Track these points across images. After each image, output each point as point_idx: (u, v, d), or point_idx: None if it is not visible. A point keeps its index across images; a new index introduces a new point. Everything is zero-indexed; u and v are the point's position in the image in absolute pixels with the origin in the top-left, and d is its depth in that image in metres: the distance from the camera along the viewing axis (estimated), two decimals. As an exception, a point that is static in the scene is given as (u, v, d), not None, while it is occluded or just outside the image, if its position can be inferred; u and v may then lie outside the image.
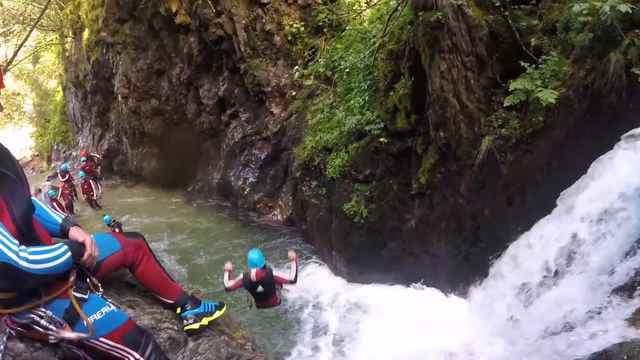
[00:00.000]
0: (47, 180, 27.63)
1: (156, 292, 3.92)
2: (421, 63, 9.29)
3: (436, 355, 10.41)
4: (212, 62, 18.36)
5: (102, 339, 3.05)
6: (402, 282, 12.15)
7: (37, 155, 36.82)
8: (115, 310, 3.19)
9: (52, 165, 31.55)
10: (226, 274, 8.36)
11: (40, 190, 24.87)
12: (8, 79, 32.34)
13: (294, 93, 16.78)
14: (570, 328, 8.16)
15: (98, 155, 24.05)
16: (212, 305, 4.14)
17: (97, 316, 3.04)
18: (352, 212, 11.74)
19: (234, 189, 18.83)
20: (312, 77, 13.84)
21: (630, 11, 7.17)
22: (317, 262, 14.43)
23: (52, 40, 30.27)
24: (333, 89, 13.70)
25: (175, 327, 3.79)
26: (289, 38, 16.75)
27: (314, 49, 16.13)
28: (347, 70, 12.48)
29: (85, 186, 21.38)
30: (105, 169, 24.98)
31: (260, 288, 7.98)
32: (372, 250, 12.11)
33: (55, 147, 32.37)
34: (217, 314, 4.13)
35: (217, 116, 19.19)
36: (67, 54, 26.86)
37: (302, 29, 16.61)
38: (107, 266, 3.49)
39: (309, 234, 14.76)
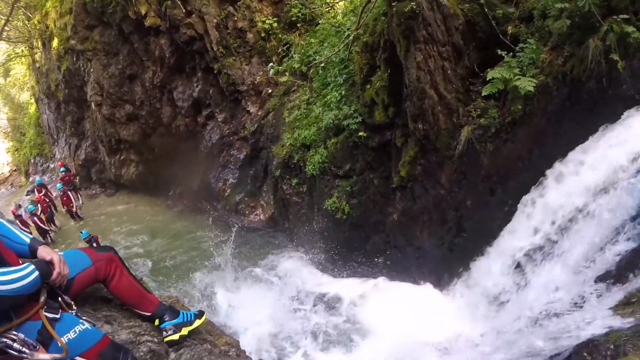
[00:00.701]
0: (26, 195, 27.37)
1: (132, 305, 3.81)
2: (397, 55, 9.17)
3: (425, 348, 10.38)
4: (185, 64, 18.02)
5: (77, 358, 2.96)
6: (387, 275, 12.12)
7: (15, 170, 36.17)
8: (90, 327, 3.09)
9: (30, 179, 31.03)
10: None
11: (20, 206, 24.39)
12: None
13: (269, 90, 16.57)
14: (555, 315, 8.18)
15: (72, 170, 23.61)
16: (191, 315, 4.03)
17: (71, 335, 2.95)
18: (334, 208, 11.63)
19: (214, 191, 18.58)
20: (287, 74, 13.64)
21: (609, -4, 7.16)
22: (302, 260, 14.29)
23: (21, 51, 29.67)
24: (309, 85, 13.54)
25: (155, 340, 3.68)
26: (262, 35, 16.51)
27: (288, 45, 15.98)
28: (322, 64, 12.32)
29: (64, 198, 21.14)
30: (83, 178, 24.60)
31: None
32: (356, 245, 12.06)
33: (32, 161, 31.85)
34: (197, 322, 4.01)
35: (193, 118, 18.87)
36: (37, 64, 26.27)
37: (275, 25, 16.38)
38: (79, 283, 3.39)
39: (292, 231, 14.64)
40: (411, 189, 10.49)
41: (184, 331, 3.84)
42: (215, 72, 16.91)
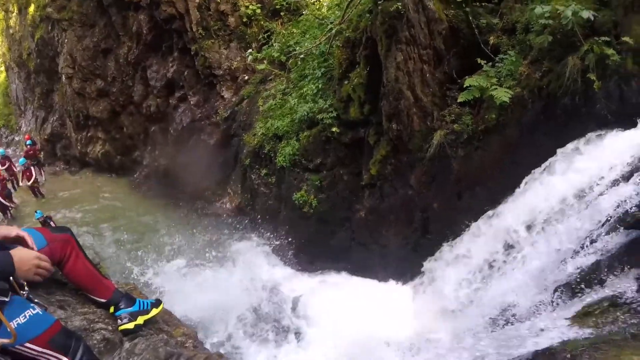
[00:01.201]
0: None
1: (87, 290, 3.65)
2: (377, 53, 9.18)
3: (383, 346, 10.43)
4: (162, 42, 17.59)
5: (27, 345, 2.78)
6: (351, 272, 12.11)
7: None
8: (41, 312, 2.91)
9: None
10: None
11: None
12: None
13: (246, 77, 16.29)
14: (513, 322, 8.31)
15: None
16: (148, 303, 3.89)
17: (21, 320, 2.77)
18: (301, 202, 11.59)
19: (182, 175, 18.06)
20: (265, 62, 13.58)
21: (592, 18, 7.30)
22: (265, 251, 14.16)
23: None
24: (286, 75, 13.45)
25: (110, 327, 3.53)
26: (244, 20, 16.23)
27: (269, 33, 15.74)
28: (302, 56, 12.28)
29: (27, 173, 20.29)
30: (48, 154, 23.84)
31: None
32: (322, 240, 12.03)
33: None
34: (154, 311, 3.89)
35: (165, 99, 18.39)
36: (11, 31, 25.42)
37: (259, 11, 16.11)
38: None
39: (258, 222, 14.49)
40: (380, 188, 10.52)
41: (140, 320, 3.70)
42: (192, 53, 16.58)
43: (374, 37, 9.27)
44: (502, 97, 8.13)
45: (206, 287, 12.52)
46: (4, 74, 30.22)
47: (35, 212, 16.20)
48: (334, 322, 11.11)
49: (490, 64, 8.92)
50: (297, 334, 11.50)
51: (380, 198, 10.66)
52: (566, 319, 6.45)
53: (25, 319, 2.79)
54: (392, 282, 11.59)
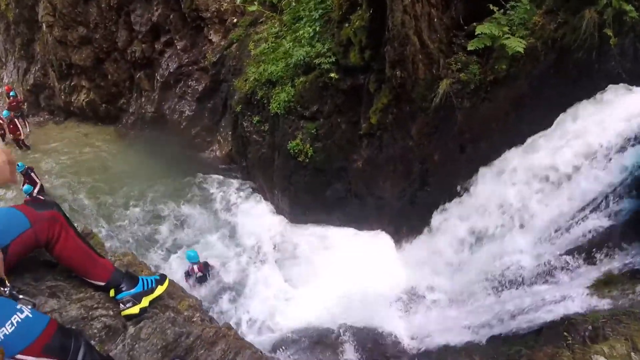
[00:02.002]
0: None
1: (82, 274, 3.18)
2: (382, -6, 8.53)
3: (378, 297, 10.36)
4: (145, -16, 16.72)
5: (19, 357, 2.33)
6: (345, 223, 11.94)
7: None
8: (31, 315, 2.43)
9: None
10: None
11: None
12: None
13: (235, 20, 15.50)
14: (518, 283, 8.15)
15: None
16: (152, 281, 3.47)
17: (7, 329, 2.30)
18: (296, 151, 11.15)
19: (169, 122, 17.71)
20: (256, 3, 12.80)
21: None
22: (259, 200, 13.91)
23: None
24: (279, 17, 12.72)
25: (111, 312, 3.12)
26: (232, -42, 15.35)
27: (259, -28, 14.85)
28: (297, -4, 11.56)
29: (11, 126, 19.53)
30: (32, 105, 23.01)
31: (199, 275, 10.88)
32: (316, 191, 11.70)
33: None
34: (159, 290, 3.47)
35: (151, 44, 17.61)
36: None
37: (248, -52, 15.17)
38: (16, 251, 2.75)
39: (250, 171, 14.17)
40: (379, 138, 10.11)
41: (145, 302, 3.31)
42: (178, -5, 15.72)
43: (379, -24, 8.60)
44: (515, 47, 7.68)
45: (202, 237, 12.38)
46: None
47: (17, 164, 15.51)
48: (329, 273, 11.03)
49: (501, 10, 8.39)
50: (291, 284, 11.43)
51: (378, 148, 10.27)
52: (586, 287, 6.22)
53: (13, 327, 2.32)
54: (387, 235, 11.42)
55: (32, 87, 22.78)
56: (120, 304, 3.23)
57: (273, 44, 12.22)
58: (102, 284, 3.23)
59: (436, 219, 10.40)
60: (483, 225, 9.55)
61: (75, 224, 3.16)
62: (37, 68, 22.61)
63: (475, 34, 8.26)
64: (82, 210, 14.71)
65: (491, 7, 8.32)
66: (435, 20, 8.62)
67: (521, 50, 7.72)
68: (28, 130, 20.92)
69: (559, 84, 8.38)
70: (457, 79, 8.78)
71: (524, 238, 8.54)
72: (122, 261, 3.72)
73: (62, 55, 19.78)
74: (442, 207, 10.23)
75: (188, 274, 10.92)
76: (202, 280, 10.94)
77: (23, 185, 14.60)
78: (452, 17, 9.00)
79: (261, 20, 14.15)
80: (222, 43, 15.60)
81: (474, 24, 8.68)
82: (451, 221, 10.12)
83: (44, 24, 19.70)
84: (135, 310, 3.23)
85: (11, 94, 21.34)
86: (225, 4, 15.36)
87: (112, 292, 3.26)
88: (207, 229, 13.12)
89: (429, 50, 8.60)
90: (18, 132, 19.61)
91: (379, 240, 11.50)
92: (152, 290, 3.41)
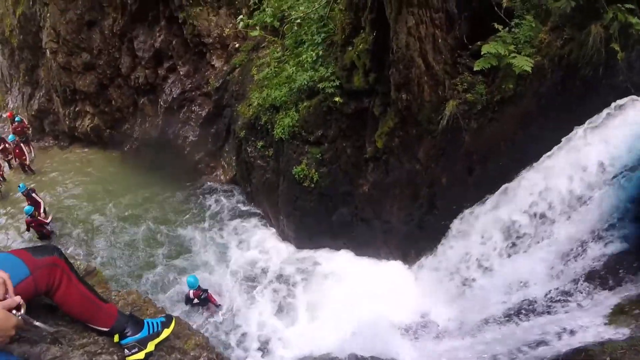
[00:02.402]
0: None
1: (86, 320, 3.01)
2: (385, 16, 8.42)
3: (386, 326, 10.12)
4: (148, 11, 16.60)
5: None
6: (351, 249, 11.80)
7: None
8: None
9: None
10: None
11: None
12: None
13: (237, 45, 15.49)
14: (531, 310, 7.94)
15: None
16: (157, 324, 3.29)
17: None
18: (301, 176, 11.03)
19: (173, 148, 17.53)
20: (258, 28, 12.74)
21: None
22: (263, 226, 13.77)
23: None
24: (281, 41, 12.66)
25: (115, 358, 2.94)
26: (233, -16, 15.37)
27: (260, -3, 14.86)
28: (299, 21, 11.48)
29: (17, 150, 19.45)
30: (36, 129, 22.81)
31: (195, 301, 10.93)
32: (322, 216, 11.57)
33: None
34: (165, 333, 3.29)
35: (154, 70, 17.46)
36: None
37: (248, -26, 15.21)
38: None
39: (254, 196, 14.02)
40: (385, 161, 9.97)
41: (150, 346, 3.14)
42: (180, 21, 15.68)
43: (381, -1, 8.53)
44: (523, 66, 7.58)
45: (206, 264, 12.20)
46: None
47: (19, 186, 15.71)
48: (335, 300, 10.80)
49: (506, 29, 8.31)
50: (297, 312, 11.22)
51: (384, 172, 10.13)
52: (602, 315, 6.00)
53: None
54: (394, 260, 11.28)
55: (36, 112, 22.60)
56: (125, 349, 3.06)
57: (276, 69, 12.14)
58: (106, 329, 3.06)
59: (445, 242, 10.22)
60: (493, 249, 9.37)
61: (77, 256, 3.01)
62: (41, 94, 22.47)
63: (481, 53, 8.15)
64: (83, 235, 14.66)
65: (496, 25, 8.26)
66: (440, 41, 8.52)
67: (529, 69, 7.63)
68: (33, 155, 20.94)
69: (566, 101, 8.26)
70: (463, 99, 8.67)
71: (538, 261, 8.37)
72: (127, 300, 3.54)
73: (66, 81, 19.70)
74: (451, 230, 10.04)
75: (188, 299, 10.97)
76: (201, 304, 11.10)
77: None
78: (456, 37, 8.91)
79: (263, 45, 14.12)
80: (225, 68, 15.55)
81: (479, 43, 8.61)
82: (461, 245, 9.91)
83: (47, 50, 19.66)
84: (140, 355, 3.05)
85: (16, 119, 21.29)
86: (227, 29, 15.34)
87: (116, 338, 3.08)
88: (210, 256, 12.91)
89: (434, 71, 8.50)
90: (24, 157, 19.52)
91: (387, 265, 11.32)
92: (157, 334, 3.23)
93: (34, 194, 15.21)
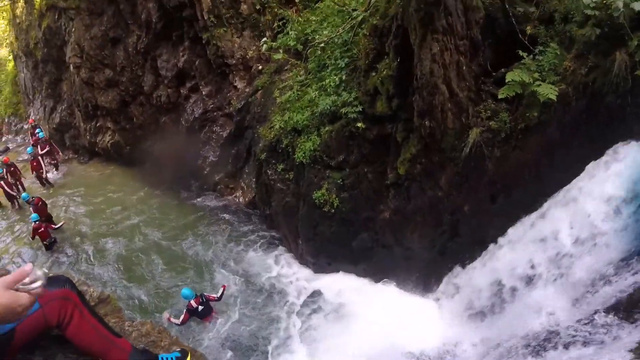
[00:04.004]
0: None
1: (98, 356, 2.91)
2: (409, 43, 8.42)
3: (406, 355, 9.90)
4: (172, 31, 16.86)
5: None
6: (371, 275, 11.61)
7: None
8: None
9: (3, 139, 29.54)
10: (168, 321, 10.89)
11: None
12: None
13: (260, 67, 15.61)
14: (553, 342, 7.69)
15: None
16: (172, 358, 3.21)
17: None
18: (322, 201, 10.94)
19: (193, 167, 17.71)
20: (281, 51, 12.78)
21: (643, 10, 6.61)
22: (282, 250, 13.66)
23: (2, 5, 27.93)
24: (304, 65, 12.68)
25: None
26: (257, 7, 15.49)
27: (284, 20, 14.91)
28: (322, 45, 11.49)
29: (34, 163, 19.71)
30: (57, 143, 23.10)
31: (200, 308, 10.96)
32: (342, 241, 11.42)
33: (6, 120, 30.34)
34: None
35: (176, 89, 17.82)
36: (17, 20, 24.75)
37: (272, -3, 15.39)
38: (23, 333, 2.52)
39: (274, 219, 13.92)
40: (407, 188, 9.86)
41: None
42: (204, 42, 15.88)
43: (406, 25, 8.49)
44: (548, 94, 7.44)
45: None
46: (12, 63, 29.57)
47: (21, 195, 16.42)
48: (355, 328, 10.63)
49: (530, 56, 8.21)
50: (317, 339, 11.04)
51: (406, 199, 10.01)
52: (628, 350, 5.76)
53: None
54: (415, 287, 11.06)
55: (58, 125, 23.07)
56: None
57: (298, 92, 12.15)
58: None
59: (467, 270, 10.01)
60: (515, 277, 9.14)
61: (91, 281, 2.94)
62: (63, 107, 22.91)
63: (506, 81, 8.05)
64: (96, 253, 14.75)
65: (520, 53, 8.16)
66: (464, 68, 8.45)
67: (554, 97, 7.48)
68: (55, 170, 21.30)
69: (591, 129, 8.05)
70: (487, 127, 8.56)
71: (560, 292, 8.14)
72: (140, 331, 3.46)
73: (88, 97, 19.95)
74: (473, 258, 9.84)
75: (193, 310, 10.94)
76: (206, 312, 11.16)
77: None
78: (480, 64, 8.84)
79: (286, 67, 14.18)
80: (247, 90, 15.65)
81: (503, 70, 8.55)
82: (483, 272, 9.68)
83: (71, 65, 19.92)
84: None
85: (37, 131, 21.54)
86: (251, 52, 15.47)
87: None
88: (226, 280, 12.78)
89: (458, 98, 8.41)
90: (40, 170, 19.75)
91: (407, 292, 11.12)
92: None
93: (40, 203, 15.69)
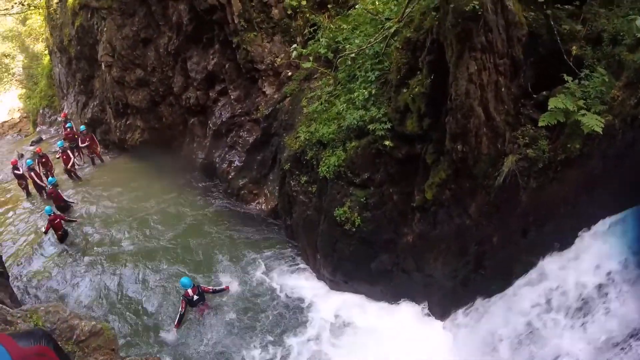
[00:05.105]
0: (30, 145, 26.75)
1: None
2: (445, 59, 7.82)
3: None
4: (203, 34, 16.68)
5: None
6: (388, 297, 11.16)
7: (26, 117, 35.47)
8: None
9: (38, 129, 30.60)
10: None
11: (22, 156, 24.24)
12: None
13: (289, 73, 15.20)
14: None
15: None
16: None
17: None
18: (343, 218, 10.48)
19: (218, 171, 17.53)
20: (311, 58, 12.34)
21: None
22: (300, 263, 13.30)
23: (38, 2, 28.65)
24: (334, 74, 12.19)
25: None
26: (289, 12, 15.09)
27: (315, 27, 14.48)
28: (353, 55, 10.96)
29: (64, 156, 20.03)
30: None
31: (195, 297, 11.47)
32: (361, 261, 10.95)
33: (41, 111, 31.24)
34: None
35: (205, 92, 17.72)
36: (52, 17, 25.27)
37: (304, 2, 14.90)
38: None
39: (294, 230, 13.53)
40: (434, 213, 9.29)
41: None
42: (234, 46, 15.55)
43: (442, 40, 7.88)
44: (593, 126, 6.77)
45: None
46: (47, 57, 30.25)
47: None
48: (367, 351, 10.26)
49: (575, 80, 7.54)
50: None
51: (432, 224, 9.45)
52: None
53: None
54: (432, 314, 10.60)
55: (89, 121, 23.34)
56: None
57: (326, 103, 11.67)
58: None
59: (489, 303, 9.43)
60: (538, 318, 8.59)
61: (84, 314, 2.55)
62: (95, 104, 23.22)
63: (548, 107, 7.40)
64: (112, 250, 14.95)
65: (565, 77, 7.50)
66: (503, 89, 7.82)
67: (599, 129, 6.80)
68: (82, 162, 21.84)
69: (636, 165, 7.34)
70: (523, 155, 7.94)
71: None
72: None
73: (119, 95, 20.18)
74: (496, 293, 9.27)
75: (190, 300, 11.49)
76: (199, 301, 11.63)
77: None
78: (520, 85, 8.20)
79: (315, 75, 13.78)
80: (276, 96, 15.30)
81: (544, 93, 7.96)
82: (503, 309, 9.14)
83: (102, 64, 20.17)
84: None
85: (68, 124, 22.07)
86: (280, 58, 15.07)
87: None
88: (239, 289, 12.53)
89: (495, 123, 7.80)
90: (70, 164, 20.05)
91: (423, 319, 10.60)
92: None
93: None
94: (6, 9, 29.06)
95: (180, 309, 11.42)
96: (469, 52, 7.31)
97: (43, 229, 15.60)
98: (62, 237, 15.55)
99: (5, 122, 35.75)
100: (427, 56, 8.32)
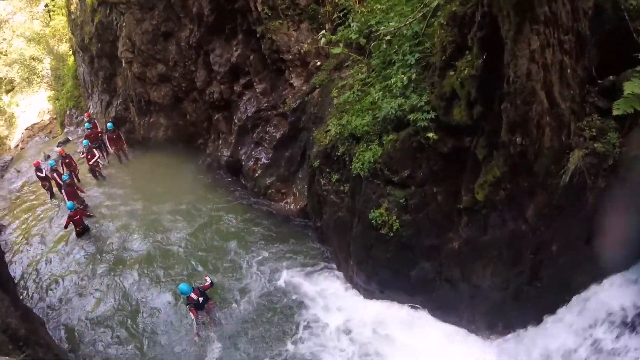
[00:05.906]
0: (57, 146, 26.34)
1: None
2: (500, 35, 6.60)
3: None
4: (225, 24, 15.89)
5: None
6: (429, 310, 10.17)
7: (55, 119, 35.56)
8: None
9: (65, 130, 30.67)
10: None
11: (48, 157, 24.22)
12: (22, 43, 33.20)
13: (318, 63, 14.24)
14: None
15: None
16: None
17: None
18: (379, 221, 9.44)
19: (244, 169, 16.73)
20: (341, 45, 11.23)
21: None
22: (331, 269, 12.33)
23: (59, 2, 28.90)
24: (367, 61, 11.12)
25: None
26: (316, -4, 14.21)
27: (345, 11, 13.25)
28: (388, 37, 9.81)
29: (89, 156, 19.92)
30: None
31: (201, 299, 11.27)
32: (400, 269, 9.93)
33: (68, 112, 31.24)
34: None
35: (229, 85, 16.89)
36: (72, 16, 25.22)
37: (333, -15, 13.93)
38: None
39: (324, 233, 12.57)
40: (485, 216, 8.18)
41: None
42: (258, 35, 14.67)
43: (495, 12, 6.63)
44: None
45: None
46: (72, 58, 30.37)
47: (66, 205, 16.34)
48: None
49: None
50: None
51: (482, 228, 8.34)
52: None
53: None
54: (477, 329, 9.59)
55: (113, 119, 22.88)
56: None
57: (359, 93, 10.61)
58: None
59: (544, 321, 8.57)
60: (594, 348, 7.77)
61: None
62: (118, 102, 22.89)
63: (624, 93, 6.22)
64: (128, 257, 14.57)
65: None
66: (569, 71, 6.62)
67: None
68: (107, 162, 21.53)
69: None
70: (590, 149, 6.84)
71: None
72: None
73: (141, 92, 19.88)
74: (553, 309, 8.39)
75: (196, 303, 11.25)
76: (205, 301, 11.44)
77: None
78: (585, 68, 7.03)
79: (346, 64, 12.78)
80: (304, 88, 14.38)
81: (611, 77, 6.94)
82: (560, 329, 8.30)
83: (123, 60, 19.84)
84: None
85: (86, 126, 21.88)
86: (308, 46, 14.11)
87: None
88: (265, 299, 11.88)
89: (560, 110, 6.60)
90: (95, 163, 19.94)
91: (468, 334, 9.65)
92: None
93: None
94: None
95: (193, 318, 11.22)
96: (530, 24, 6.12)
97: (66, 229, 15.75)
98: (81, 233, 15.63)
99: (35, 124, 36.06)
100: (477, 32, 7.08)
